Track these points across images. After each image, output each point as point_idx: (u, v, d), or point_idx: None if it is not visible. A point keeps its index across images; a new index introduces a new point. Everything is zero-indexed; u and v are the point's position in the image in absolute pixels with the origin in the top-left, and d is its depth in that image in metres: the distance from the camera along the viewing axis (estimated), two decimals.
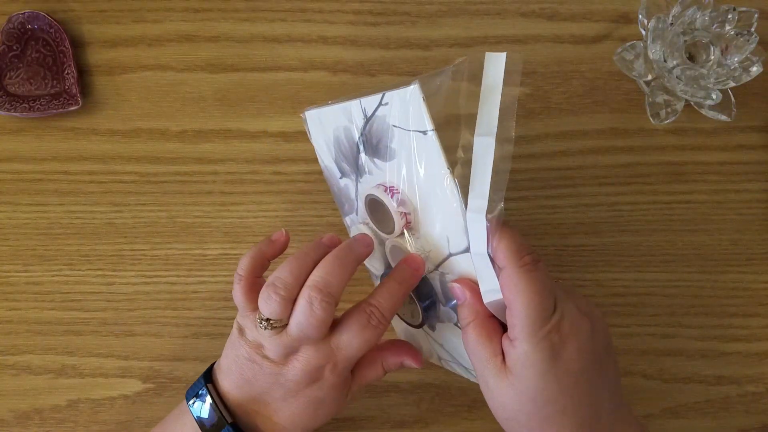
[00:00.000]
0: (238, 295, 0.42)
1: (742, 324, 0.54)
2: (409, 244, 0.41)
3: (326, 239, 0.42)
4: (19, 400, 0.53)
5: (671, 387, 0.53)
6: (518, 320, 0.35)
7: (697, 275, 0.54)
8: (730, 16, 0.51)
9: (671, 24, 0.52)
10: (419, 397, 0.53)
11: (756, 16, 0.51)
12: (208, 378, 0.43)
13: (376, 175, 0.41)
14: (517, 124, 0.48)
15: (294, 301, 0.39)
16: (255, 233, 0.54)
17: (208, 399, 0.41)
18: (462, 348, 0.40)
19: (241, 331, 0.42)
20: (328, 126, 0.44)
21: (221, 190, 0.55)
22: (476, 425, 0.53)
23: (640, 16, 0.54)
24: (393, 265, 0.43)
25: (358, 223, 0.46)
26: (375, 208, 0.42)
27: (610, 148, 0.55)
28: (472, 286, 0.38)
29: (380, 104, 0.38)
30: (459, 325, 0.40)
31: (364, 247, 0.41)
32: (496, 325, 0.38)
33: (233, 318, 0.52)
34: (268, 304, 0.39)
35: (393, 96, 0.37)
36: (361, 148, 0.41)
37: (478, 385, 0.48)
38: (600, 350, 0.37)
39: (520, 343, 0.35)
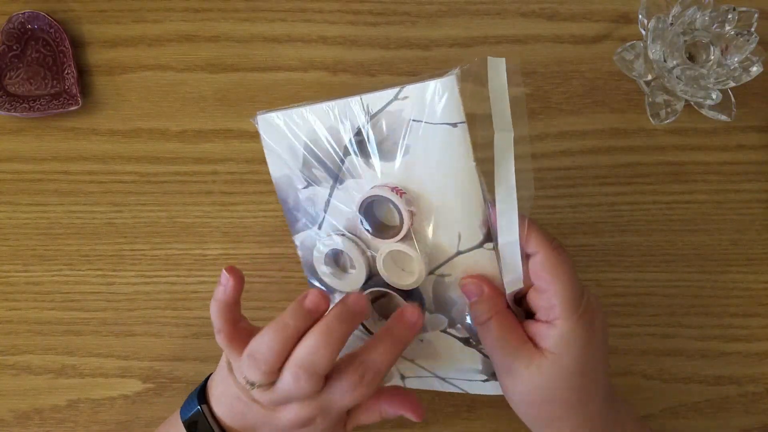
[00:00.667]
0: (223, 346, 0.41)
1: (742, 324, 0.54)
2: (414, 245, 0.40)
3: (309, 303, 0.38)
4: (19, 400, 0.53)
5: (671, 387, 0.53)
6: (558, 300, 0.36)
7: (697, 275, 0.54)
8: (730, 16, 0.51)
9: (671, 24, 0.52)
10: (419, 397, 0.53)
11: (756, 16, 0.51)
12: (203, 398, 0.42)
13: (368, 179, 0.39)
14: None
15: (279, 370, 0.38)
16: (255, 233, 0.54)
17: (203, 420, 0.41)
18: (444, 357, 0.42)
19: (230, 368, 0.41)
20: (297, 130, 0.41)
21: (221, 190, 0.55)
22: (476, 425, 0.53)
23: (640, 16, 0.54)
24: (386, 275, 0.41)
25: (322, 238, 0.42)
26: (373, 211, 0.40)
27: (610, 148, 0.55)
28: (487, 281, 0.38)
29: (395, 98, 0.37)
30: (472, 322, 0.40)
31: (357, 315, 0.38)
32: (514, 315, 0.39)
33: None
34: (251, 372, 0.38)
35: (416, 89, 0.36)
36: (353, 149, 0.39)
37: None
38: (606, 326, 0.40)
39: (563, 322, 0.36)
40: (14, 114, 0.53)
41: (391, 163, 0.38)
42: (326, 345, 0.37)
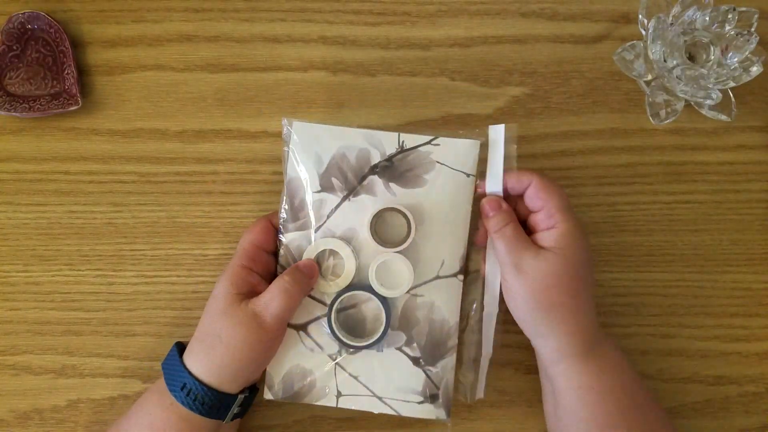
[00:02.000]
0: (238, 270, 0.48)
1: (742, 324, 0.54)
2: (408, 260, 0.48)
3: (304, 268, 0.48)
4: (19, 400, 0.53)
5: (671, 387, 0.53)
6: (557, 208, 0.45)
7: (697, 275, 0.54)
8: (730, 16, 0.51)
9: (671, 24, 0.52)
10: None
11: (756, 16, 0.51)
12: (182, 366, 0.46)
13: (381, 197, 0.48)
14: (518, 124, 0.53)
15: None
16: None
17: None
18: (389, 375, 0.48)
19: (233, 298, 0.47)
20: (331, 142, 0.48)
21: (221, 190, 0.55)
22: (476, 425, 0.53)
23: (640, 16, 0.54)
24: (374, 281, 0.48)
25: (320, 239, 0.49)
26: (382, 221, 0.49)
27: (610, 148, 0.55)
28: (504, 201, 0.48)
29: (429, 143, 0.49)
30: (490, 234, 0.47)
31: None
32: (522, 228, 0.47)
33: None
34: None
35: (449, 141, 0.48)
36: (378, 172, 0.48)
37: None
38: None
39: (563, 223, 0.45)
40: (14, 114, 0.53)
41: (408, 189, 0.48)
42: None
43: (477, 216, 0.49)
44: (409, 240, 0.47)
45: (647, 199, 0.55)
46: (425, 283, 0.48)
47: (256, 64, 0.55)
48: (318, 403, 0.49)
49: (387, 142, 0.49)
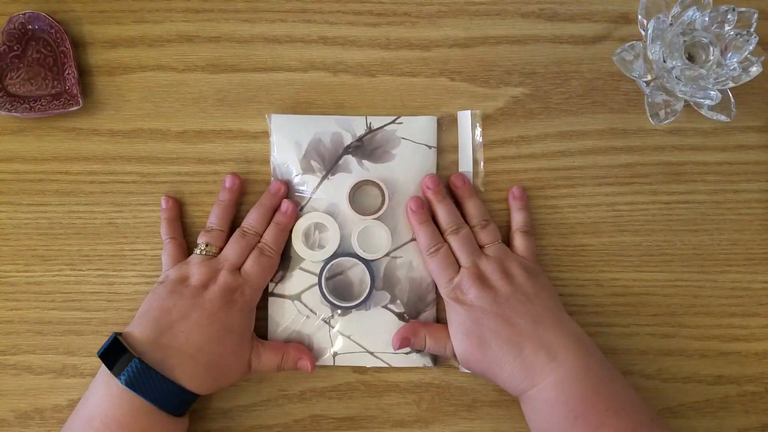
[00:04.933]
0: (173, 252, 0.53)
1: (741, 324, 0.54)
2: (385, 225, 0.53)
3: (273, 189, 0.54)
4: (20, 399, 0.53)
5: (671, 387, 0.54)
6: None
7: (696, 275, 0.55)
8: (729, 16, 0.51)
9: (671, 24, 0.52)
10: (419, 396, 0.53)
11: (755, 16, 0.51)
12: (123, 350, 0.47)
13: (356, 174, 0.54)
14: (517, 125, 0.56)
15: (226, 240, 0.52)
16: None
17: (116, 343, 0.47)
18: (378, 330, 0.53)
19: (166, 279, 0.50)
20: (307, 130, 0.54)
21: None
22: (476, 425, 0.53)
23: (639, 17, 0.54)
24: (357, 246, 0.53)
25: (306, 214, 0.53)
26: (359, 193, 0.54)
27: (609, 149, 0.55)
28: (404, 331, 0.52)
29: (393, 122, 0.54)
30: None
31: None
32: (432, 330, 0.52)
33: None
34: (212, 239, 0.52)
35: (410, 119, 0.55)
36: (351, 151, 0.54)
37: (477, 384, 0.50)
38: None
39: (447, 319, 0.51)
40: (15, 114, 0.53)
41: (379, 164, 0.54)
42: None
43: (443, 182, 0.54)
44: (384, 207, 0.52)
45: (646, 199, 0.55)
46: (403, 245, 0.54)
47: (257, 64, 0.55)
48: (317, 364, 0.53)
49: (356, 125, 0.54)
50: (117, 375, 0.45)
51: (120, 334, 0.48)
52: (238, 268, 0.51)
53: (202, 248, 0.51)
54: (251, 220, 0.52)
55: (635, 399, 0.47)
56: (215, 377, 0.48)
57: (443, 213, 0.52)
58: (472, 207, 0.53)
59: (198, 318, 0.48)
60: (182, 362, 0.47)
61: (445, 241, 0.52)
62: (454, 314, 0.50)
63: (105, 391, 0.46)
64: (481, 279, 0.50)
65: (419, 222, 0.52)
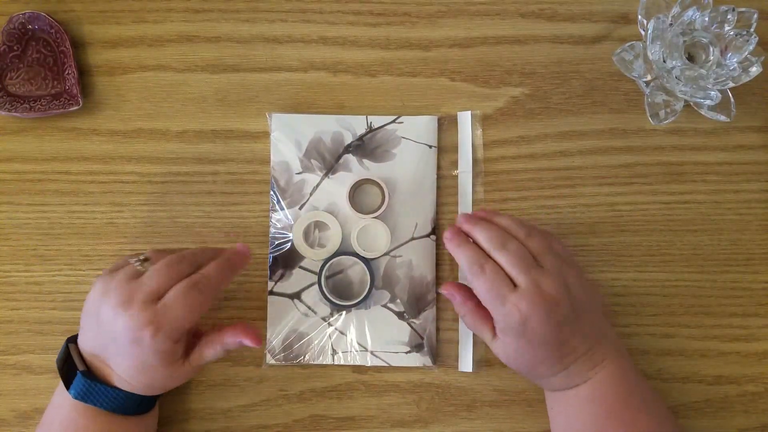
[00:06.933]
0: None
1: (741, 324, 0.54)
2: (385, 224, 0.53)
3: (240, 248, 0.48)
4: (20, 399, 0.53)
5: (671, 387, 0.54)
6: (488, 300, 0.45)
7: (696, 275, 0.55)
8: (729, 16, 0.51)
9: (670, 24, 0.52)
10: (419, 396, 0.53)
11: (755, 16, 0.51)
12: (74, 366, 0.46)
13: (356, 172, 0.54)
14: (517, 125, 0.56)
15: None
16: (255, 233, 0.54)
17: (67, 350, 0.46)
18: (378, 329, 0.52)
19: (100, 279, 0.46)
20: (308, 128, 0.54)
21: (221, 190, 0.55)
22: (476, 425, 0.53)
23: (639, 17, 0.54)
24: (357, 245, 0.53)
25: (307, 213, 0.53)
26: (359, 192, 0.54)
27: (609, 149, 0.55)
28: (459, 288, 0.48)
29: (394, 122, 0.54)
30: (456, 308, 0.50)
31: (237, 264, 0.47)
32: (480, 308, 0.47)
33: (234, 318, 0.53)
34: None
35: (411, 118, 0.55)
36: (352, 150, 0.54)
37: (477, 384, 0.51)
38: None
39: (501, 316, 0.45)
40: (15, 114, 0.53)
41: (379, 164, 0.54)
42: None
43: (443, 182, 0.55)
44: (384, 206, 0.53)
45: (646, 199, 0.55)
46: (402, 244, 0.54)
47: (257, 64, 0.56)
48: (316, 362, 0.53)
49: (357, 124, 0.54)
50: (67, 387, 0.45)
51: (74, 340, 0.48)
52: (157, 299, 0.43)
53: (138, 260, 0.45)
54: (198, 250, 0.46)
55: (662, 402, 0.48)
56: (158, 389, 0.47)
57: (483, 233, 0.46)
58: (505, 222, 0.47)
59: (115, 349, 0.44)
60: (121, 379, 0.45)
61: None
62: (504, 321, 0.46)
63: (63, 396, 0.46)
64: (545, 299, 0.44)
65: (457, 245, 0.46)
